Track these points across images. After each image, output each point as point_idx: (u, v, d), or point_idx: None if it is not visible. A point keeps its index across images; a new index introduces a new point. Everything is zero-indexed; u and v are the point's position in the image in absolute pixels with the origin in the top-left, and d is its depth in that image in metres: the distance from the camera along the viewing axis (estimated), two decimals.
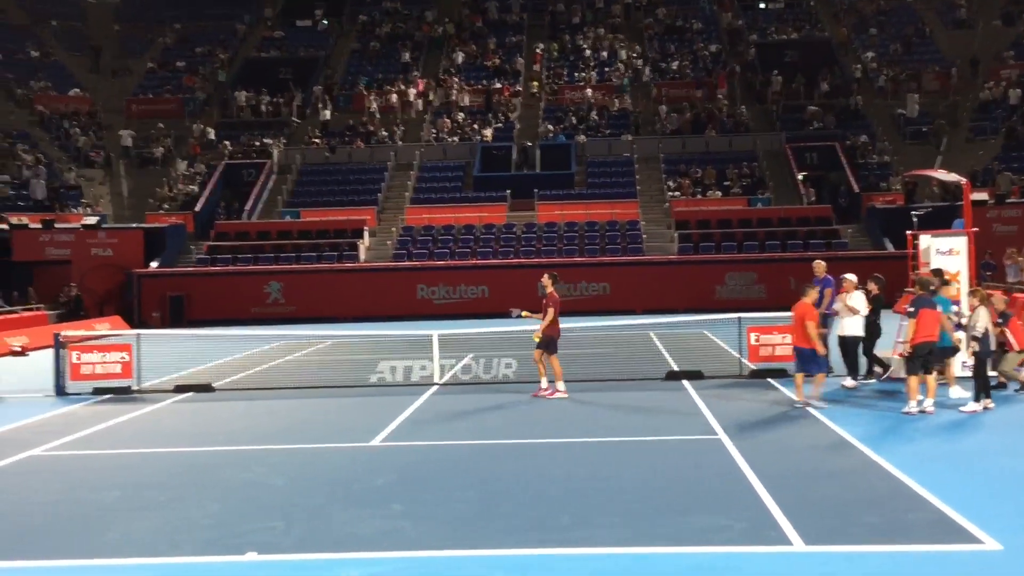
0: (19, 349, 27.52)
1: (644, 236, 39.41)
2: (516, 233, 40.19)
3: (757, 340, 18.85)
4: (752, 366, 18.77)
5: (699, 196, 42.07)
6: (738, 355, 19.35)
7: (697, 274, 36.20)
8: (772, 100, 48.47)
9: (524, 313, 17.58)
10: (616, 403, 16.41)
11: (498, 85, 49.82)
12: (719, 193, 42.17)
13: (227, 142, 46.31)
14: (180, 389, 18.86)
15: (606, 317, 31.55)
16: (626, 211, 41.12)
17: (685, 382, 18.23)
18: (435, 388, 18.41)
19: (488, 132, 46.01)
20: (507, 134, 46.43)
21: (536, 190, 42.19)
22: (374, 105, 48.27)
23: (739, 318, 19.18)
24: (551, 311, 16.76)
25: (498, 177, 43.58)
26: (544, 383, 17.06)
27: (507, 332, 25.68)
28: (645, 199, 42.17)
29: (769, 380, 17.97)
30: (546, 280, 17.07)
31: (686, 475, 11.09)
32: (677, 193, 42.21)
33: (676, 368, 19.59)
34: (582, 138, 45.60)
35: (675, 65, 51.02)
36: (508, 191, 42.39)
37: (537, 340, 16.87)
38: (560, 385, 16.96)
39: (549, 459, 12.18)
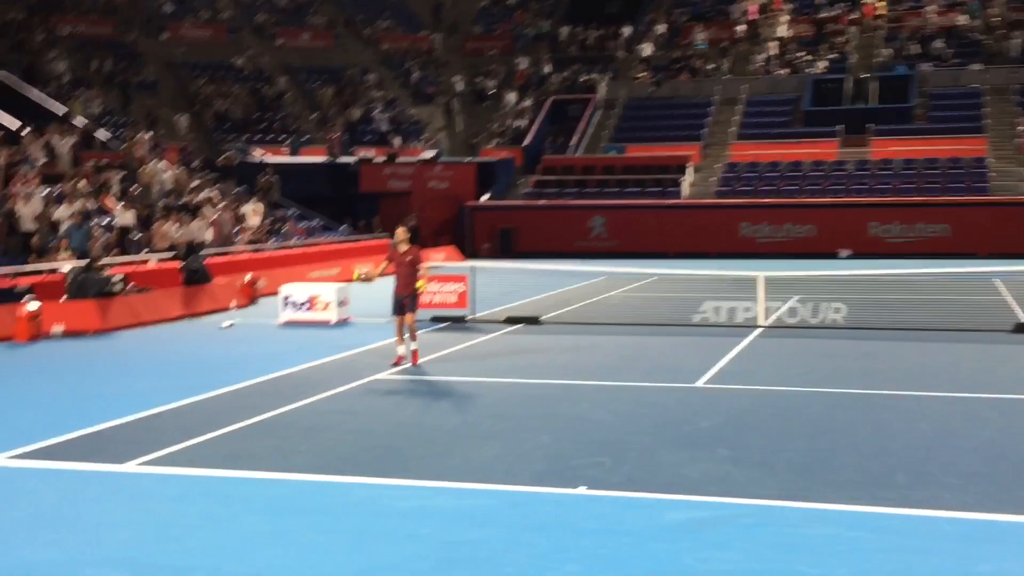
0: (364, 276, 29.62)
1: (991, 174, 36.57)
2: (847, 170, 38.45)
3: None
4: None
5: None
6: None
7: None
8: None
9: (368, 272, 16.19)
10: (958, 356, 15.49)
11: (835, 12, 47.33)
12: None
13: (553, 77, 47.10)
14: (511, 321, 19.65)
15: (945, 261, 29.83)
16: (972, 147, 38.25)
17: None
18: (760, 331, 18.11)
19: (821, 64, 44.02)
20: (840, 65, 44.21)
21: (870, 125, 40.07)
22: (701, 36, 47.44)
23: None
24: (423, 267, 15.36)
25: (830, 111, 41.68)
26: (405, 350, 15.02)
27: (836, 275, 24.87)
28: (994, 134, 39.00)
29: None
30: (401, 234, 15.31)
31: None
32: None
33: None
34: (926, 67, 42.59)
35: None
36: (840, 126, 40.50)
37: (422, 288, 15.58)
38: (400, 349, 15.04)
39: (885, 411, 11.66)
